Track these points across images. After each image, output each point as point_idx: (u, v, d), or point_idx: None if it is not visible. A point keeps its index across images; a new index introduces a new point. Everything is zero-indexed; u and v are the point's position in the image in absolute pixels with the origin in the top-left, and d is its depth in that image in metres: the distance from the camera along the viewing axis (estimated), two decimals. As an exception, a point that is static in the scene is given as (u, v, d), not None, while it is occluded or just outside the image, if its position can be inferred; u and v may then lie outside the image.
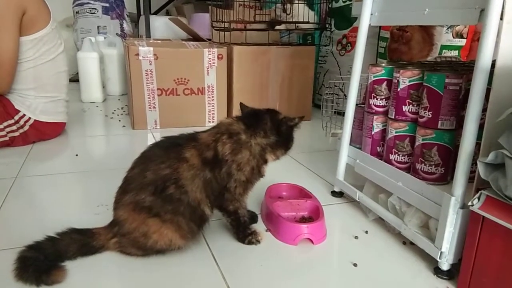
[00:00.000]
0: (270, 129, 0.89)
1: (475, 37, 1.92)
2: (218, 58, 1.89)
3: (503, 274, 0.70)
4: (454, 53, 1.89)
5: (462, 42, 1.89)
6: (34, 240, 0.82)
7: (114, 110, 2.27)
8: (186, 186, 0.82)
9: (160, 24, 2.80)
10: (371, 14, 1.04)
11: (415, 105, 0.95)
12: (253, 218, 1.01)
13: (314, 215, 1.01)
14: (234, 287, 0.78)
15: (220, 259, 0.87)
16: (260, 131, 0.88)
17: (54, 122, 1.66)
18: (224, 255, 0.88)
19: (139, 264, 0.84)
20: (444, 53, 1.87)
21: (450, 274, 0.82)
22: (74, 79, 2.57)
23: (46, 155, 1.53)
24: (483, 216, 0.71)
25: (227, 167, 0.85)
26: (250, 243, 0.92)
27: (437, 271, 0.83)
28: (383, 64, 1.05)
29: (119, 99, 2.61)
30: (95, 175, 1.33)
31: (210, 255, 0.88)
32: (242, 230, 0.92)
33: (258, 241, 0.92)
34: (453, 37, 1.87)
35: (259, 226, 1.00)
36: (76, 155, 1.51)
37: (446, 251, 0.81)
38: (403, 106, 0.96)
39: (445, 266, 0.82)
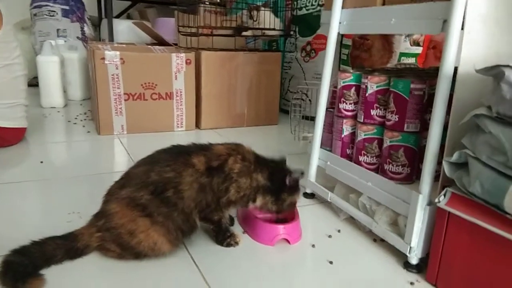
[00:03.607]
0: (270, 174, 0.92)
1: (430, 45, 2.04)
2: (186, 63, 1.89)
3: (469, 266, 0.76)
4: (412, 60, 2.00)
5: (418, 50, 2.00)
6: (20, 245, 0.79)
7: (77, 116, 2.21)
8: (184, 192, 0.84)
9: (123, 28, 2.76)
10: (340, 23, 1.09)
11: (382, 109, 1.00)
12: (230, 221, 1.02)
13: (288, 216, 1.04)
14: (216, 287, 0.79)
15: (200, 262, 0.87)
16: (262, 170, 0.91)
17: (13, 127, 1.59)
18: (203, 258, 0.89)
19: (116, 267, 0.83)
20: (403, 60, 1.97)
21: (419, 268, 0.87)
22: (33, 83, 2.47)
23: (8, 162, 1.47)
24: (449, 212, 0.76)
25: (229, 183, 0.87)
26: (228, 245, 0.93)
27: (407, 265, 0.88)
28: (351, 71, 1.10)
29: (81, 104, 2.54)
30: (63, 182, 1.29)
31: (189, 258, 0.89)
32: (222, 234, 0.93)
33: (237, 243, 0.94)
34: (411, 45, 1.98)
35: (236, 229, 1.01)
36: (41, 162, 1.46)
37: (415, 246, 0.86)
38: (371, 110, 1.01)
39: (414, 260, 0.87)
